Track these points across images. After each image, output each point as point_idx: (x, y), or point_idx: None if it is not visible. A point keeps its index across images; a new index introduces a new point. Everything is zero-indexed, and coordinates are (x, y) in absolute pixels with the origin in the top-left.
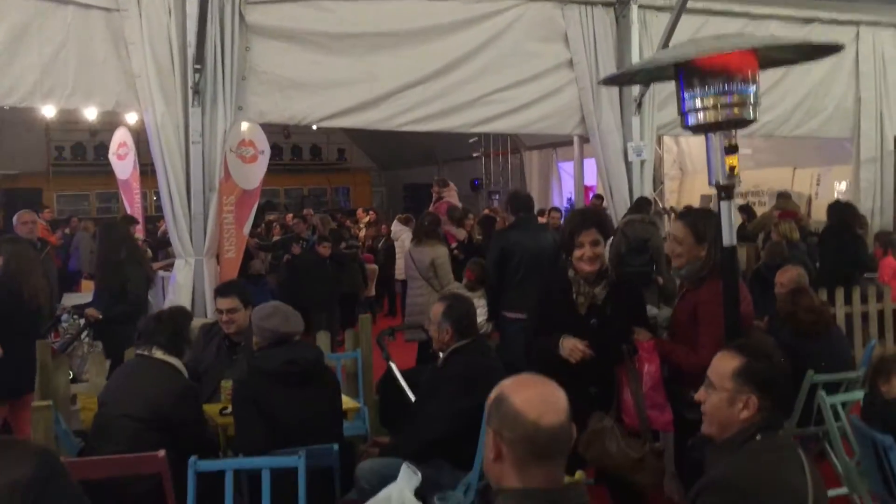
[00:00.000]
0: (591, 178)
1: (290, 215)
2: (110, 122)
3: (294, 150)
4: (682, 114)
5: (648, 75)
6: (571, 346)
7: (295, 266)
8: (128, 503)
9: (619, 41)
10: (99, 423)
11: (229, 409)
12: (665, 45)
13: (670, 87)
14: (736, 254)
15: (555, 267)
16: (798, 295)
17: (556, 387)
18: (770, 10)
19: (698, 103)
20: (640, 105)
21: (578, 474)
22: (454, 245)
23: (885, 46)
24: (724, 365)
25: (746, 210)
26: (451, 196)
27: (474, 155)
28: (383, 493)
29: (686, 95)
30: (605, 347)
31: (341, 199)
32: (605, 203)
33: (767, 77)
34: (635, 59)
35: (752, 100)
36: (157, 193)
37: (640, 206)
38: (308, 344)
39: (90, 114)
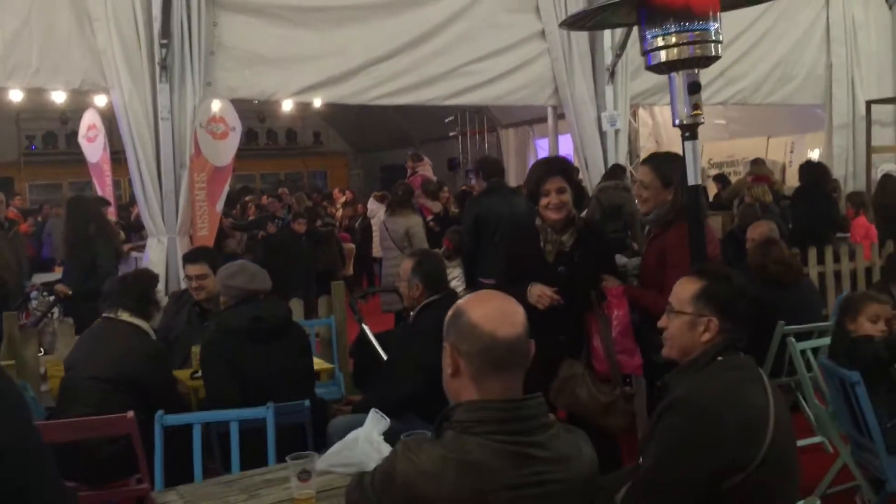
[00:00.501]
0: (567, 153)
1: (266, 196)
2: (81, 109)
3: (269, 134)
4: (645, 54)
5: (610, 18)
6: (539, 293)
7: (270, 244)
8: (98, 466)
9: None
10: (66, 386)
11: (199, 373)
12: None
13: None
14: (700, 194)
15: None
16: (768, 246)
17: (514, 302)
18: None
19: (660, 41)
20: (612, 74)
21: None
22: (430, 218)
23: (854, 12)
24: (684, 289)
25: (721, 179)
26: (426, 170)
27: (450, 135)
28: (351, 436)
29: (648, 35)
30: (573, 294)
31: (318, 182)
32: (580, 174)
33: (739, 45)
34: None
35: (713, 36)
36: (131, 181)
37: (614, 172)
38: (276, 300)
39: (58, 97)
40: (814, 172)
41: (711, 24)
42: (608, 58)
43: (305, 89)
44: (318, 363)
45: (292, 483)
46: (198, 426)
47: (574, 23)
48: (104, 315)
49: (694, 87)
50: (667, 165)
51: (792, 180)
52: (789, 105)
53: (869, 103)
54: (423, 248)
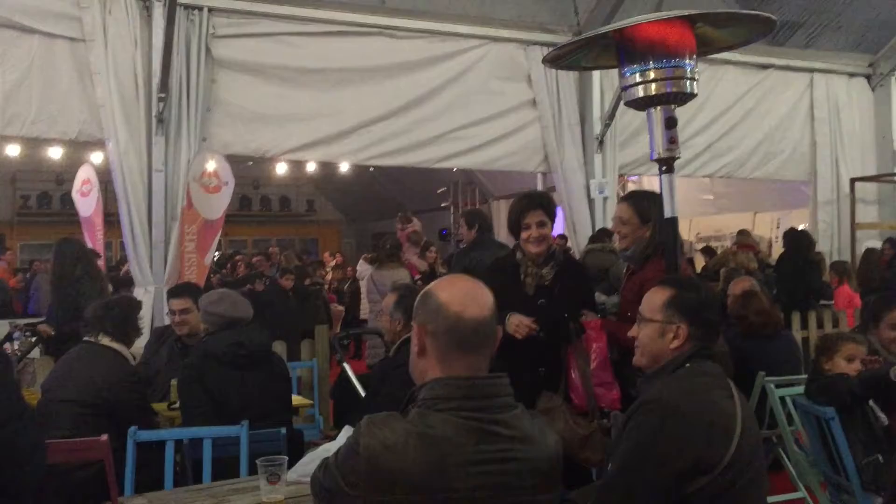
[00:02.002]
0: (558, 227)
1: (256, 255)
2: (76, 169)
3: (263, 200)
4: (623, 90)
5: (590, 57)
6: (517, 322)
7: (257, 300)
8: (70, 490)
9: (580, 82)
10: (42, 409)
11: (177, 404)
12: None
13: (632, 126)
14: (677, 224)
15: None
16: (749, 298)
17: (482, 286)
18: (727, 55)
19: (637, 77)
20: (601, 144)
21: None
22: (417, 277)
23: (838, 93)
24: (653, 298)
25: (708, 252)
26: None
27: (442, 205)
28: (322, 448)
29: (626, 71)
30: (553, 327)
31: (310, 250)
32: (568, 242)
33: (725, 120)
34: (596, 97)
35: (689, 74)
36: (122, 243)
37: (600, 236)
38: (257, 328)
39: (55, 153)
40: (797, 239)
41: (688, 62)
42: (597, 127)
43: (299, 148)
44: (298, 400)
45: (261, 485)
46: (170, 442)
47: (555, 59)
48: (84, 339)
49: (671, 122)
50: (645, 202)
51: (778, 255)
52: (774, 180)
53: (853, 181)
54: (405, 283)
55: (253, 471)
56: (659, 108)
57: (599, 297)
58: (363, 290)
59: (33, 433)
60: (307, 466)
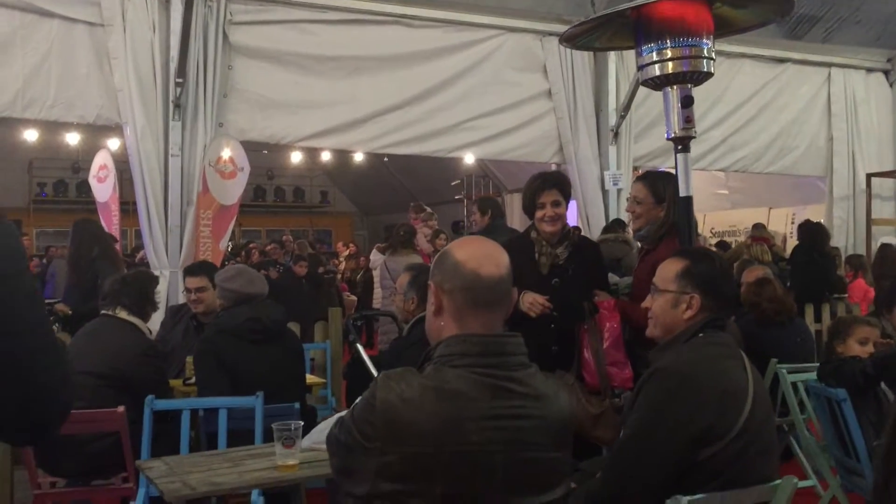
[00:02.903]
0: (571, 220)
1: (271, 244)
2: (93, 157)
3: (277, 191)
4: (640, 69)
5: (606, 37)
6: (531, 301)
7: (271, 287)
8: (84, 461)
9: (596, 73)
10: None
11: (193, 380)
12: (637, 80)
13: (648, 118)
14: (691, 204)
15: None
16: (762, 285)
17: (498, 246)
18: (744, 48)
19: (655, 56)
20: (616, 135)
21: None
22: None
23: (856, 88)
24: (667, 269)
25: (722, 246)
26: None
27: (456, 198)
28: (336, 416)
29: (643, 50)
30: (566, 306)
31: (324, 240)
32: (581, 231)
33: (741, 114)
34: (612, 88)
35: (706, 53)
36: (137, 232)
37: (614, 226)
38: (273, 303)
39: (72, 139)
40: (813, 232)
41: (705, 41)
42: (612, 119)
43: (314, 135)
44: (311, 379)
45: (277, 449)
46: (186, 412)
47: (571, 38)
48: (102, 312)
49: (687, 101)
50: (660, 182)
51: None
52: (790, 175)
53: (869, 176)
54: (419, 263)
55: (268, 440)
56: (675, 87)
57: (612, 278)
58: (376, 278)
59: (61, 360)
60: (321, 433)
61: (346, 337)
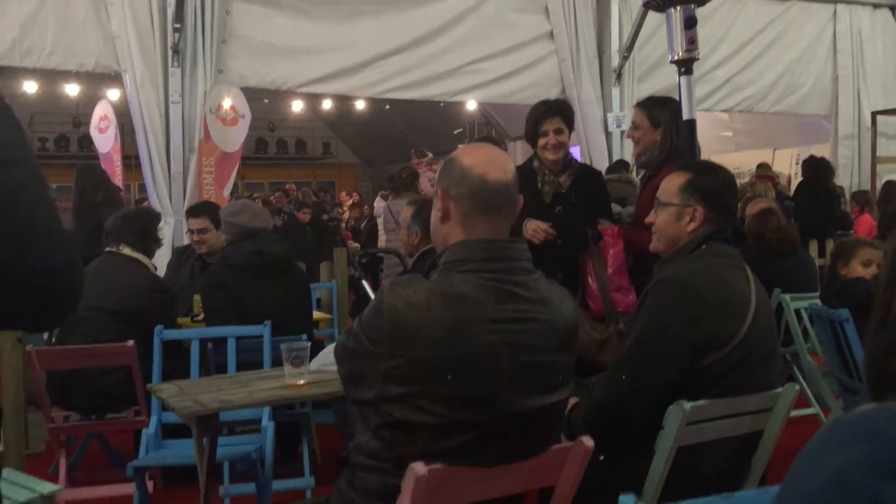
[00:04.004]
0: None
1: (276, 192)
2: (93, 108)
3: (279, 143)
4: None
5: None
6: (534, 228)
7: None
8: (96, 395)
9: (598, 13)
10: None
11: (201, 316)
12: (640, 20)
13: (651, 59)
14: (695, 128)
15: None
16: (766, 216)
17: (504, 152)
18: None
19: None
20: (619, 76)
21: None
22: None
23: (861, 25)
24: (670, 183)
25: None
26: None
27: (458, 147)
28: (331, 345)
29: None
30: (570, 234)
31: (328, 191)
32: None
33: (745, 54)
34: (614, 29)
35: None
36: (140, 186)
37: (617, 167)
38: (278, 238)
39: (72, 90)
40: (817, 167)
41: None
42: (615, 60)
43: (314, 81)
44: (317, 314)
45: (286, 369)
46: (196, 341)
47: None
48: (106, 250)
49: (690, 22)
50: (657, 107)
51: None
52: (795, 115)
53: (874, 114)
54: (422, 197)
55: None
56: (679, 7)
57: (615, 207)
58: (380, 225)
59: (68, 246)
60: (328, 355)
61: (352, 271)
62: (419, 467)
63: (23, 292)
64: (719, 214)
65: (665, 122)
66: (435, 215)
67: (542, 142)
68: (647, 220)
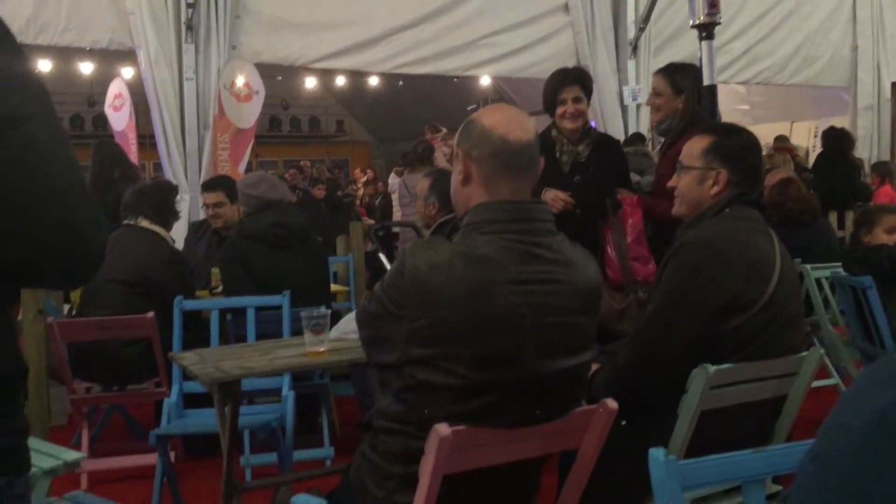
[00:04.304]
0: None
1: (290, 170)
2: (107, 87)
3: (292, 121)
4: None
5: None
6: (553, 197)
7: None
8: (117, 367)
9: None
10: (88, 289)
11: (219, 289)
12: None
13: (667, 30)
14: (716, 93)
15: None
16: (786, 185)
17: (524, 113)
18: None
19: None
20: (635, 49)
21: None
22: None
23: None
24: (693, 146)
25: None
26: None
27: None
28: (351, 314)
29: None
30: (588, 203)
31: (341, 168)
32: None
33: (763, 25)
34: (630, 2)
35: None
36: (155, 165)
37: (633, 139)
38: (296, 209)
39: (86, 69)
40: (837, 138)
41: None
42: (631, 32)
43: (328, 56)
44: (335, 287)
45: (306, 338)
46: (215, 312)
47: None
48: (124, 223)
49: None
50: (679, 73)
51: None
52: (814, 86)
53: (894, 85)
54: (439, 168)
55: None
56: None
57: (634, 176)
58: (395, 201)
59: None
60: (348, 323)
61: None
62: (443, 428)
63: (49, 250)
64: (743, 177)
65: (687, 88)
66: (455, 178)
67: (560, 110)
68: (670, 184)
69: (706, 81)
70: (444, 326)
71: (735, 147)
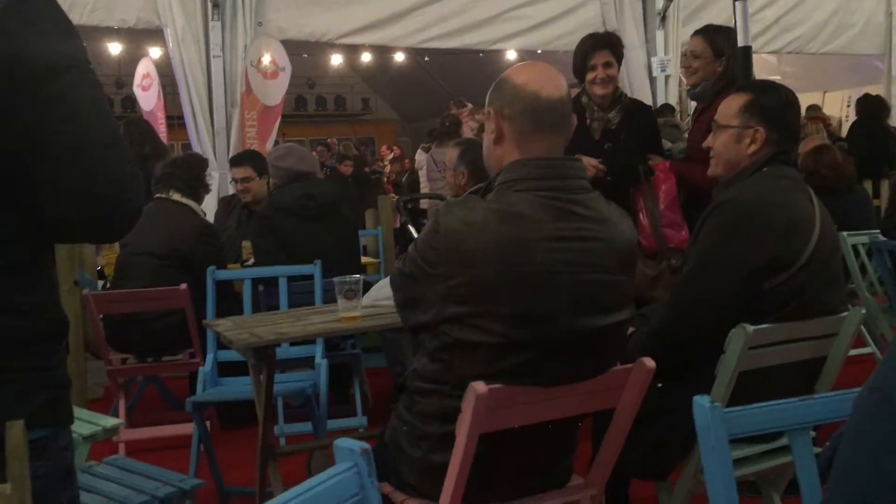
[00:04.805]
0: None
1: (318, 147)
2: (135, 68)
3: (318, 100)
4: None
5: None
6: (585, 164)
7: None
8: (151, 338)
9: None
10: (121, 262)
11: (250, 261)
12: None
13: (696, 1)
14: (751, 55)
15: None
16: (820, 152)
17: (556, 69)
18: None
19: None
20: (664, 19)
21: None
22: None
23: None
24: (730, 104)
25: None
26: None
27: None
28: (382, 281)
29: None
30: (620, 170)
31: (368, 146)
32: None
33: None
34: None
35: None
36: (184, 145)
37: (663, 110)
38: (326, 181)
39: (114, 49)
40: (872, 105)
41: None
42: (659, 2)
43: (354, 31)
44: (364, 259)
45: (339, 303)
46: (248, 281)
47: None
48: (157, 196)
49: None
50: (720, 35)
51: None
52: (847, 55)
53: None
54: (468, 138)
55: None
56: None
57: (666, 143)
58: (422, 177)
59: (129, 159)
60: (380, 290)
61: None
62: (480, 386)
63: (90, 203)
64: (781, 136)
65: (728, 51)
66: (488, 138)
67: (590, 76)
68: (705, 144)
69: (740, 43)
70: (480, 284)
71: (773, 104)
